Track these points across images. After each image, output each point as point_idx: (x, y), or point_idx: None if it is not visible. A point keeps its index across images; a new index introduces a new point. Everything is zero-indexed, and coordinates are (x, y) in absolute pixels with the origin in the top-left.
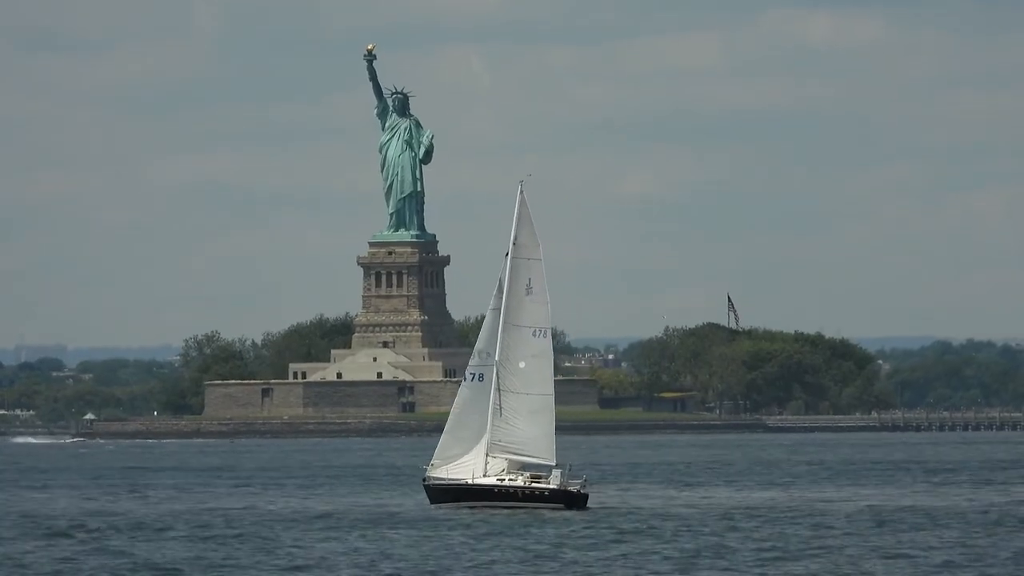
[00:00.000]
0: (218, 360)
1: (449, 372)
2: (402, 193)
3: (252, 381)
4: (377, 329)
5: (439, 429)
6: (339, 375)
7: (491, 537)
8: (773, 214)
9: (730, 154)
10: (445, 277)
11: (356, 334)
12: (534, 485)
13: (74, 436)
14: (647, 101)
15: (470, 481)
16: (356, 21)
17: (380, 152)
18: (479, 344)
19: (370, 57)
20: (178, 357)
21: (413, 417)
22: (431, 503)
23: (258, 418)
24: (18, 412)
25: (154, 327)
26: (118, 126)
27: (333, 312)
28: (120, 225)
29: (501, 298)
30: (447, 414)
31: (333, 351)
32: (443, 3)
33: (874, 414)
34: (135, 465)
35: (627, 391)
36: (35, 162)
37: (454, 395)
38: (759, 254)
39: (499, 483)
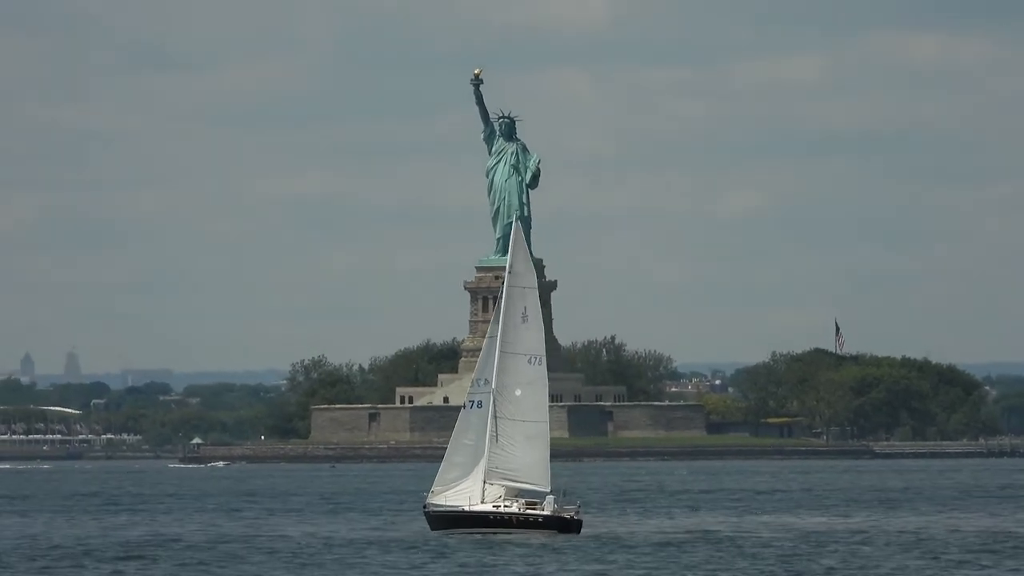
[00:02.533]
0: (325, 384)
1: (555, 397)
2: (509, 218)
3: (359, 406)
4: None
5: None
6: (446, 400)
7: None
8: (879, 236)
9: (836, 174)
10: (552, 302)
11: (463, 359)
12: (528, 511)
13: (181, 460)
14: (753, 120)
15: (466, 508)
16: (463, 40)
17: (487, 176)
18: (476, 372)
19: (477, 81)
20: (285, 381)
21: None
22: (431, 529)
23: (365, 443)
24: (125, 436)
25: (260, 351)
26: (226, 142)
27: (440, 337)
28: (226, 248)
29: (497, 326)
30: (554, 439)
31: (440, 376)
32: (549, 24)
33: (981, 440)
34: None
35: (734, 416)
36: (142, 178)
37: (560, 420)
38: (866, 277)
39: (494, 509)
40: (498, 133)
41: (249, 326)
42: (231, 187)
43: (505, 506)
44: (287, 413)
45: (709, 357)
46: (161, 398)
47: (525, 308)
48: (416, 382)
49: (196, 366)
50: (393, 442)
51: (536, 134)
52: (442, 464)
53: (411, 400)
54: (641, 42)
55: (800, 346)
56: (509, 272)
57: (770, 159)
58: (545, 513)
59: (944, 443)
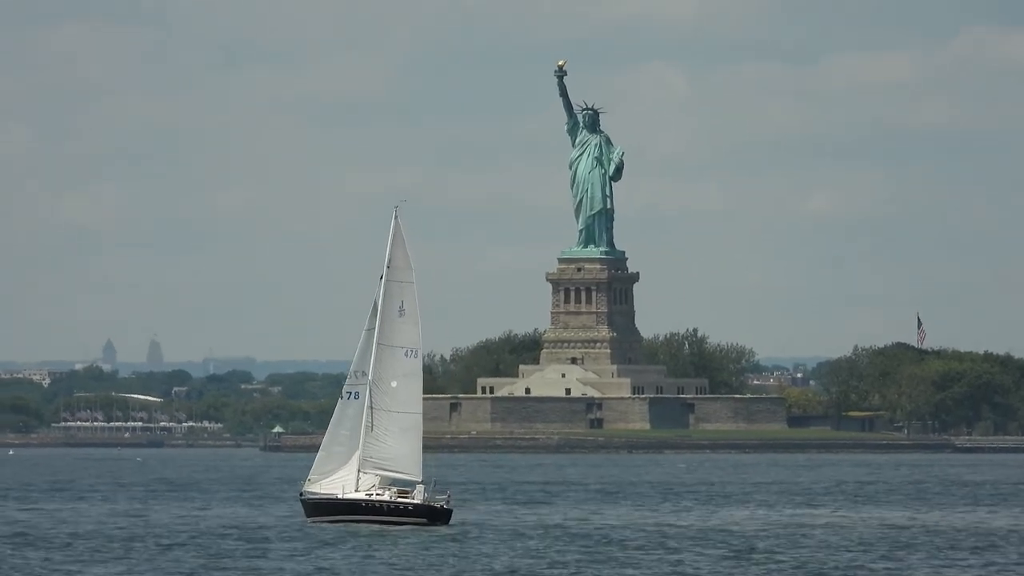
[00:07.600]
0: None
1: (637, 389)
2: (592, 210)
3: (440, 396)
4: (566, 345)
5: (627, 446)
6: (527, 391)
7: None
8: (963, 233)
9: (921, 172)
10: (634, 294)
11: (544, 350)
12: (399, 500)
13: (262, 449)
14: (839, 118)
15: (340, 496)
16: (547, 36)
17: (570, 168)
18: (354, 364)
19: (561, 73)
20: None
21: (601, 433)
22: (306, 516)
23: (446, 433)
24: (206, 424)
25: (342, 340)
26: (309, 139)
27: (522, 328)
28: (308, 237)
29: (376, 319)
30: (636, 431)
31: (521, 367)
32: (636, 19)
33: None
34: None
35: (815, 410)
36: (226, 173)
37: (642, 412)
38: (949, 273)
39: (367, 498)
40: (582, 125)
41: (332, 315)
42: (313, 182)
43: (377, 495)
44: None
45: (791, 351)
46: (243, 387)
47: (403, 302)
48: (497, 372)
49: (278, 355)
50: (474, 432)
51: (621, 127)
52: (319, 453)
53: (492, 391)
54: (730, 39)
55: (882, 341)
56: (387, 266)
57: (859, 159)
58: (416, 502)
59: None
